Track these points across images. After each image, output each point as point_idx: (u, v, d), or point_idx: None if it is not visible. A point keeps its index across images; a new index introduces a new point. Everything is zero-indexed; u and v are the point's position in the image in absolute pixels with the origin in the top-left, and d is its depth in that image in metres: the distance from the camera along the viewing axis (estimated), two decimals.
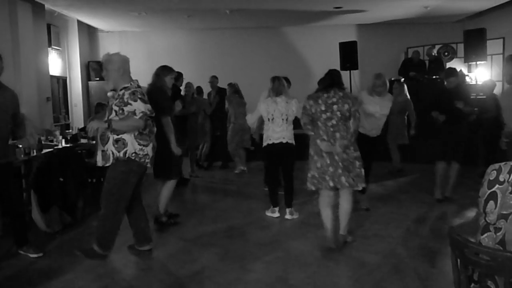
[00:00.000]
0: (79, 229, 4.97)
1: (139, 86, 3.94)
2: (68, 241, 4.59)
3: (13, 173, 4.17)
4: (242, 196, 6.44)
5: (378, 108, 5.08)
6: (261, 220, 5.27)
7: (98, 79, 11.20)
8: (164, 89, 4.93)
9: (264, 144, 5.28)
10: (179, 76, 7.25)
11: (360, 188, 4.22)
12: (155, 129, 4.06)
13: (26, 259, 4.06)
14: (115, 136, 3.78)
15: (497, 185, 1.83)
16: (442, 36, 11.10)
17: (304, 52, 11.86)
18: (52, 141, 6.03)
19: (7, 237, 4.47)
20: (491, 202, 1.83)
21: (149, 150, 3.91)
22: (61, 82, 10.37)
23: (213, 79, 8.92)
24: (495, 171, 1.87)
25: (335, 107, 4.05)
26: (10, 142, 4.18)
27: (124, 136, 3.78)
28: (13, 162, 4.23)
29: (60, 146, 5.84)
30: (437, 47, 10.45)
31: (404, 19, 11.11)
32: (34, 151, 4.97)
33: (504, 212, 1.77)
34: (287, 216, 5.22)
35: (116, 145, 3.78)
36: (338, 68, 10.14)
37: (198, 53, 11.99)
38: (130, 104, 3.75)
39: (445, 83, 5.78)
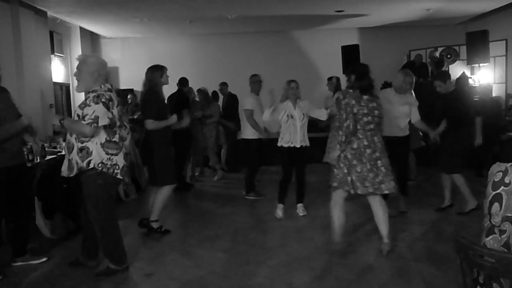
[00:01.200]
0: (82, 235, 4.96)
1: (109, 90, 3.66)
2: (72, 247, 4.59)
3: (27, 175, 4.15)
4: (245, 200, 6.43)
5: (406, 107, 5.22)
6: (265, 224, 5.26)
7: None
8: (156, 92, 4.82)
9: (284, 145, 5.35)
10: (185, 82, 7.31)
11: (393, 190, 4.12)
12: (129, 136, 3.79)
13: (30, 265, 4.05)
14: (80, 145, 3.54)
15: (502, 187, 1.82)
16: (445, 39, 11.09)
17: (306, 56, 11.87)
18: (55, 147, 6.03)
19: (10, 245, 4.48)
20: (496, 204, 1.81)
21: (118, 159, 3.62)
22: (64, 89, 10.42)
23: (223, 86, 8.94)
24: (500, 173, 1.85)
25: (376, 112, 4.02)
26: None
27: (88, 144, 3.53)
28: (26, 164, 4.23)
29: (63, 153, 5.84)
30: (440, 49, 10.43)
31: (406, 22, 11.11)
32: (38, 157, 4.97)
33: (509, 215, 1.76)
34: (301, 213, 5.45)
35: (80, 154, 3.53)
36: (341, 72, 10.19)
37: (200, 59, 12.02)
38: (89, 106, 3.49)
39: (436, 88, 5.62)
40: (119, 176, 3.65)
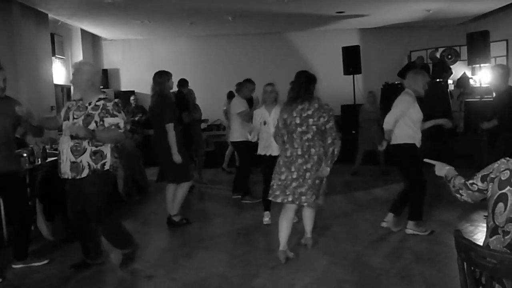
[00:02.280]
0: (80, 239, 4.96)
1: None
2: (73, 249, 4.58)
3: (19, 182, 4.15)
4: (247, 202, 6.41)
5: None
6: (266, 225, 5.25)
7: (102, 87, 11.21)
8: (170, 97, 5.14)
9: (262, 153, 5.17)
10: (185, 83, 7.27)
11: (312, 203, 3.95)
12: (127, 139, 4.21)
13: (31, 268, 4.05)
14: (94, 148, 3.67)
15: (508, 187, 1.80)
16: (445, 39, 11.10)
17: (307, 57, 11.87)
18: (56, 149, 6.04)
19: (12, 247, 4.48)
20: (501, 204, 1.80)
21: (118, 161, 3.95)
22: (65, 91, 10.42)
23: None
24: (508, 171, 1.83)
25: (310, 120, 3.81)
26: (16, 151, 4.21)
27: (103, 148, 3.70)
28: (20, 172, 4.21)
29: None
30: (440, 50, 10.43)
31: (406, 22, 11.11)
32: (39, 160, 4.98)
33: None
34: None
35: (94, 157, 3.67)
36: (341, 73, 10.20)
37: (201, 60, 12.04)
38: (116, 116, 3.68)
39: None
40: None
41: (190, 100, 7.28)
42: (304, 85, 3.91)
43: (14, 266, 4.04)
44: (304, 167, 3.82)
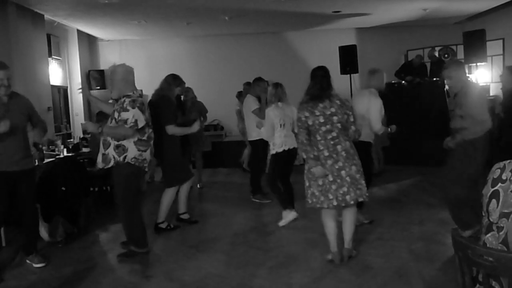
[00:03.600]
0: (82, 238, 4.97)
1: (140, 96, 4.20)
2: (71, 250, 4.59)
3: (33, 180, 4.22)
4: (244, 203, 6.42)
5: None
6: (264, 225, 5.26)
7: (98, 88, 11.23)
8: (171, 99, 5.11)
9: (279, 150, 5.18)
10: (180, 83, 7.20)
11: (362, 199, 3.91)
12: (153, 135, 4.29)
13: (29, 269, 4.05)
14: (116, 142, 4.05)
15: (499, 184, 1.82)
16: (442, 38, 11.11)
17: (304, 57, 11.87)
18: (54, 150, 6.04)
19: (10, 247, 4.48)
20: (494, 201, 1.82)
21: (147, 155, 4.19)
22: (62, 92, 10.40)
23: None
24: (499, 170, 1.86)
25: (335, 118, 3.74)
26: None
27: (124, 142, 4.04)
28: (34, 169, 4.29)
29: (62, 156, 5.86)
30: (437, 49, 10.45)
31: (403, 22, 11.13)
32: (37, 161, 4.97)
33: (506, 211, 1.76)
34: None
35: (117, 150, 4.04)
36: (338, 72, 10.20)
37: (198, 60, 12.03)
38: (128, 111, 3.99)
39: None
40: (146, 169, 4.27)
41: (187, 99, 7.24)
42: (325, 81, 3.83)
43: (26, 260, 4.14)
44: (337, 167, 3.73)
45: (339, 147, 3.75)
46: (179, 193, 5.24)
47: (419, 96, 9.02)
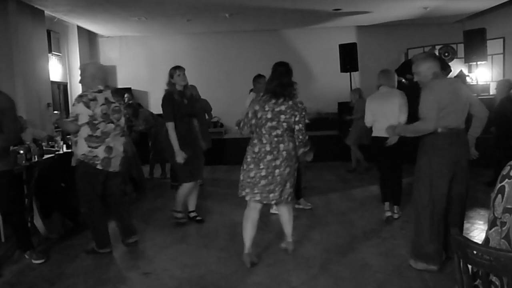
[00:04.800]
0: (81, 234, 4.96)
1: (100, 91, 4.16)
2: (70, 246, 4.59)
3: (9, 181, 4.01)
4: (244, 200, 6.40)
5: None
6: (263, 223, 5.25)
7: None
8: (171, 95, 4.96)
9: None
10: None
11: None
12: (112, 132, 4.20)
13: (28, 265, 4.06)
14: (74, 138, 4.19)
15: (506, 180, 1.83)
16: (442, 37, 11.11)
17: (304, 54, 11.88)
18: (53, 146, 6.02)
19: (9, 243, 4.48)
20: (499, 196, 1.82)
21: (99, 152, 4.12)
22: (62, 88, 10.40)
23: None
24: (509, 167, 1.86)
25: (282, 116, 3.70)
26: (11, 148, 4.19)
27: (78, 138, 4.13)
28: (12, 170, 4.13)
29: (61, 152, 5.84)
30: (438, 47, 10.45)
31: (403, 20, 11.12)
32: (36, 157, 4.96)
33: (509, 206, 1.76)
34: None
35: (75, 147, 4.19)
36: (338, 70, 10.20)
37: (198, 57, 12.01)
38: (73, 106, 4.12)
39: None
40: (99, 167, 4.14)
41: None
42: (285, 78, 3.81)
43: (25, 255, 4.14)
44: (273, 164, 3.71)
45: (281, 146, 3.72)
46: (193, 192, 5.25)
47: (418, 94, 9.00)
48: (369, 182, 7.27)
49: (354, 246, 4.31)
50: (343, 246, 4.35)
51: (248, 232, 3.90)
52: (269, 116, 3.71)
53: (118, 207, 4.51)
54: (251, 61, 11.81)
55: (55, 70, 9.82)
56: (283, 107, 3.71)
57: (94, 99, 4.08)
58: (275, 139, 3.72)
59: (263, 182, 3.74)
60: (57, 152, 5.73)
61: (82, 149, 4.09)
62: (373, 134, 5.22)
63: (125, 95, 10.17)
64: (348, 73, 10.05)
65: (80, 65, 4.39)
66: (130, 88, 11.12)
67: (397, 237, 4.56)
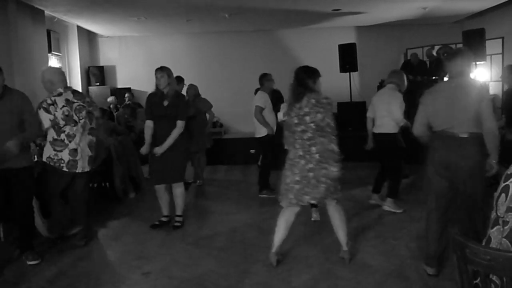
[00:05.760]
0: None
1: (59, 94, 4.30)
2: (69, 246, 4.59)
3: (27, 178, 4.14)
4: (243, 200, 6.44)
5: None
6: (263, 222, 5.26)
7: (98, 84, 11.25)
8: (149, 95, 5.05)
9: None
10: (179, 81, 7.18)
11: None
12: (78, 134, 4.33)
13: (28, 264, 4.06)
14: (44, 142, 4.40)
15: (511, 179, 1.83)
16: (441, 37, 11.12)
17: (303, 55, 11.87)
18: None
19: (8, 242, 4.48)
20: (503, 195, 1.83)
21: (64, 155, 4.26)
22: None
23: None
24: None
25: (307, 118, 3.69)
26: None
27: (46, 142, 4.31)
28: (32, 167, 4.27)
29: None
30: (436, 47, 10.46)
31: (402, 20, 11.12)
32: (35, 156, 4.97)
33: None
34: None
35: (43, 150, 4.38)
36: (338, 70, 10.20)
37: (198, 57, 12.02)
38: (36, 113, 4.22)
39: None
40: (64, 169, 4.29)
41: (189, 95, 7.22)
42: (298, 82, 3.81)
43: (23, 256, 4.14)
44: (307, 167, 3.70)
45: (313, 148, 3.68)
46: (164, 197, 5.16)
47: (418, 94, 9.01)
48: (369, 182, 7.26)
49: (354, 246, 4.31)
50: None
51: (280, 234, 3.89)
52: (296, 121, 3.72)
53: (80, 208, 4.58)
54: (251, 61, 11.83)
55: None
56: (306, 109, 3.69)
57: (53, 103, 4.22)
58: (307, 142, 3.70)
59: (297, 186, 3.72)
60: None
61: (47, 152, 4.27)
62: (374, 131, 5.58)
63: (126, 95, 10.19)
64: (348, 73, 10.06)
65: (40, 72, 4.52)
66: (129, 88, 11.12)
67: (397, 237, 4.57)
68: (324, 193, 3.72)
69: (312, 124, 3.67)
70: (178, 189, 5.06)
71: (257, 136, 6.43)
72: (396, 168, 5.59)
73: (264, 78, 6.54)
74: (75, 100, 4.33)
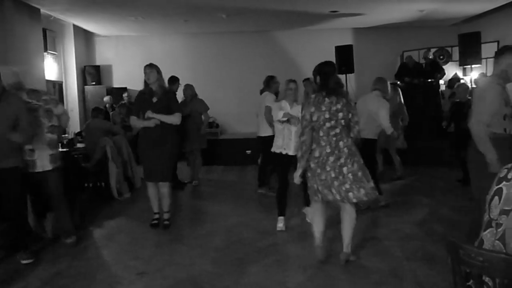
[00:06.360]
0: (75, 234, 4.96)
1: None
2: (64, 245, 4.58)
3: (15, 178, 4.09)
4: (239, 200, 6.44)
5: None
6: (258, 223, 5.27)
7: (94, 83, 11.23)
8: (140, 92, 5.09)
9: (277, 151, 4.99)
10: (174, 80, 7.17)
11: (365, 199, 3.84)
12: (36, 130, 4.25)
13: (23, 265, 4.04)
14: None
15: (504, 182, 1.85)
16: (438, 40, 11.17)
17: (300, 56, 11.89)
18: None
19: (2, 242, 4.46)
20: (496, 198, 1.84)
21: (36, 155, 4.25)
22: (57, 87, 10.37)
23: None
24: (506, 170, 1.89)
25: (340, 114, 3.69)
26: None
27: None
28: (19, 167, 4.17)
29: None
30: (433, 50, 10.51)
31: (399, 23, 11.17)
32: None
33: (506, 208, 1.78)
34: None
35: None
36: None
37: (195, 58, 12.02)
38: None
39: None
40: (28, 170, 4.28)
41: (186, 96, 7.22)
42: (332, 76, 3.80)
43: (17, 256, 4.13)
44: (339, 163, 3.68)
45: (341, 143, 3.71)
46: (153, 194, 5.16)
47: (414, 97, 9.07)
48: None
49: (355, 253, 4.31)
50: (338, 247, 4.36)
51: (320, 226, 3.92)
52: (327, 116, 3.69)
53: (57, 207, 4.50)
54: (248, 62, 11.84)
55: (50, 69, 9.79)
56: (339, 106, 3.70)
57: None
58: (334, 138, 3.71)
59: (336, 183, 3.69)
60: None
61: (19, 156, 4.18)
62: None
63: (124, 95, 10.14)
64: (344, 75, 10.08)
65: None
66: (126, 88, 11.10)
67: (392, 238, 4.58)
68: (364, 191, 3.74)
69: (342, 121, 3.70)
70: (164, 189, 5.05)
71: (262, 135, 6.43)
72: (373, 170, 5.37)
73: (272, 81, 6.69)
74: (29, 100, 4.24)
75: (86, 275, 3.83)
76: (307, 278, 3.67)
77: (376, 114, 5.35)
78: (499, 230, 1.79)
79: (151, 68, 4.94)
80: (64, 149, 6.10)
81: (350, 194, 3.69)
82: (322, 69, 3.89)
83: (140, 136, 5.06)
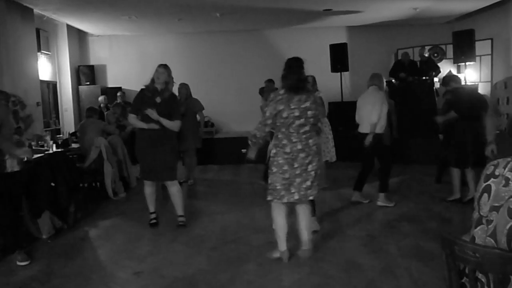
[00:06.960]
0: (71, 234, 4.95)
1: None
2: (60, 246, 4.57)
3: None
4: (235, 199, 6.44)
5: None
6: (254, 222, 5.27)
7: (88, 83, 11.19)
8: (141, 90, 5.00)
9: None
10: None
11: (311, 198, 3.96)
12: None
13: (19, 265, 4.02)
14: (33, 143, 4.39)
15: (492, 179, 1.85)
16: (432, 38, 11.21)
17: (294, 54, 11.70)
18: (42, 146, 5.99)
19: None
20: (485, 195, 1.85)
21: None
22: (51, 87, 10.33)
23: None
24: (493, 166, 1.89)
25: (309, 113, 3.72)
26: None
27: None
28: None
29: (51, 151, 5.81)
30: (427, 48, 10.55)
31: (393, 20, 11.20)
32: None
33: (496, 204, 1.79)
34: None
35: None
36: (329, 70, 10.24)
37: (189, 57, 12.00)
38: None
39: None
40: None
41: (180, 95, 7.20)
42: (302, 73, 3.80)
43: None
44: (307, 161, 3.75)
45: (310, 141, 3.78)
46: (151, 193, 5.14)
47: (408, 94, 9.10)
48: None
49: (344, 245, 4.34)
50: (333, 245, 4.38)
51: (284, 229, 3.93)
52: (296, 114, 3.71)
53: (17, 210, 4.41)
54: (242, 60, 11.83)
55: (44, 69, 9.75)
56: (308, 103, 3.73)
57: None
58: (304, 136, 3.74)
59: (298, 180, 3.75)
60: (46, 152, 5.70)
61: None
62: (358, 130, 5.75)
63: (118, 94, 10.11)
64: (339, 73, 10.10)
65: None
66: (120, 88, 11.07)
67: (387, 236, 4.60)
68: (316, 190, 3.87)
69: (311, 119, 3.75)
70: (174, 187, 5.04)
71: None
72: (386, 164, 5.80)
73: (271, 83, 6.81)
74: None
75: (82, 275, 3.82)
76: (302, 276, 3.67)
77: (374, 107, 5.49)
78: (489, 226, 1.80)
79: (165, 68, 4.87)
80: (59, 150, 6.08)
81: (309, 191, 3.82)
82: (291, 64, 3.85)
83: (137, 135, 5.02)
